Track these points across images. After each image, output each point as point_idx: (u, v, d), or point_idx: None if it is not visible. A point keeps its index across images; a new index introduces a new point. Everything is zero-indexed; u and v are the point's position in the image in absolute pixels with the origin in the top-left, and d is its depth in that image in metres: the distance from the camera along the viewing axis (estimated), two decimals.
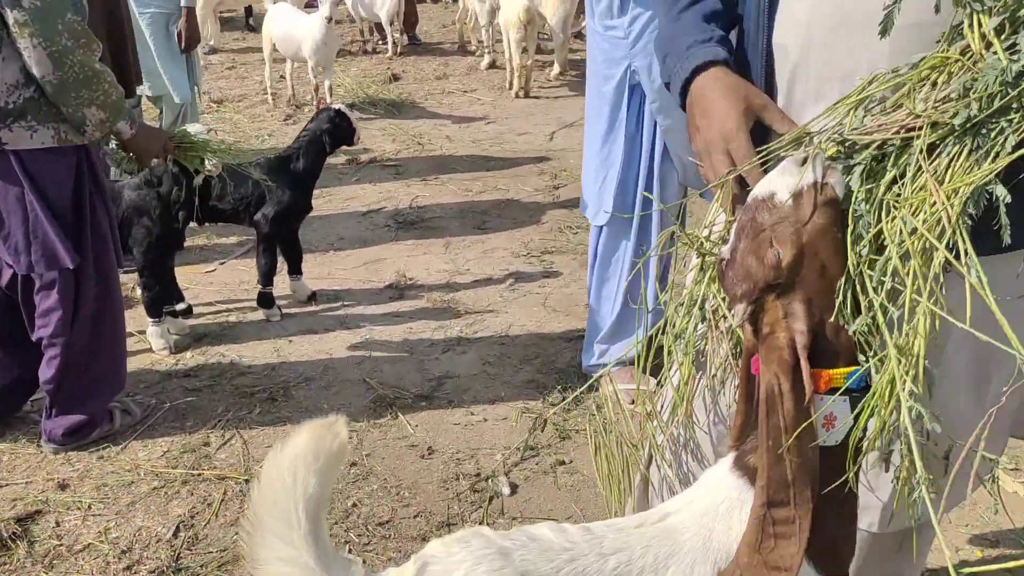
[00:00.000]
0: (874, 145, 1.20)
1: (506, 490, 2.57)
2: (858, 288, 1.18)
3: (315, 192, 5.28)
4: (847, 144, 1.23)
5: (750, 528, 1.16)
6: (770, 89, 1.41)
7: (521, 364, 3.33)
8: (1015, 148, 1.13)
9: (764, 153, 1.30)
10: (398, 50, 9.56)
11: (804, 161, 1.16)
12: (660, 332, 1.49)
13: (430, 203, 5.22)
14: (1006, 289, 1.30)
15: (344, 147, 3.86)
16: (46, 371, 2.68)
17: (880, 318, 1.15)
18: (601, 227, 3.00)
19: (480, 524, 2.43)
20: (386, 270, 4.22)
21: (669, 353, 1.51)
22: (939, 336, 1.14)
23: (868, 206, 1.19)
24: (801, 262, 1.16)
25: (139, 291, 3.44)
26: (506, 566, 1.11)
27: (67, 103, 2.38)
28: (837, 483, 1.17)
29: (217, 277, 4.18)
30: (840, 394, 1.13)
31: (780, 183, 1.16)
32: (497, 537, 1.14)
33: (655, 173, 2.83)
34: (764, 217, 1.15)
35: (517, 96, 8.01)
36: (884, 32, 1.21)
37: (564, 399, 3.04)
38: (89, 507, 2.50)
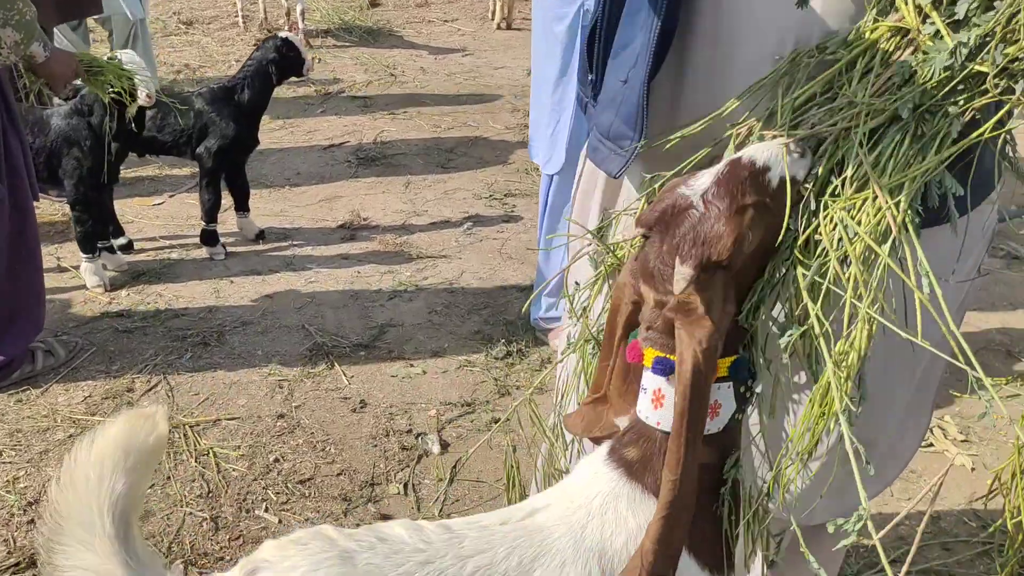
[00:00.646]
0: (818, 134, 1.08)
1: (436, 448, 2.47)
2: (768, 290, 1.09)
3: (275, 123, 5.13)
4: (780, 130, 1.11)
5: (657, 525, 1.05)
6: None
7: (469, 314, 3.21)
8: (961, 134, 1.01)
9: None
10: None
11: (802, 152, 1.06)
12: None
13: (395, 139, 5.03)
14: (946, 258, 1.21)
15: (295, 77, 3.66)
16: None
17: (816, 328, 1.05)
18: (552, 176, 2.84)
19: (405, 484, 2.34)
20: (341, 209, 4.07)
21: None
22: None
23: (802, 204, 1.07)
24: (757, 251, 1.06)
25: (72, 225, 3.28)
26: (348, 572, 1.00)
27: None
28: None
29: (164, 211, 4.02)
30: (725, 381, 1.08)
31: (774, 159, 1.04)
32: (341, 538, 1.03)
33: None
34: (750, 191, 1.03)
35: (499, 27, 7.74)
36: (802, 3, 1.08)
37: (508, 353, 2.93)
38: (1, 453, 2.40)
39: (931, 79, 1.01)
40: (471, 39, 7.50)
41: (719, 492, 1.16)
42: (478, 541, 1.11)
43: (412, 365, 2.88)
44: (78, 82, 2.74)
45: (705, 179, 1.06)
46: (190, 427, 2.52)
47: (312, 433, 2.52)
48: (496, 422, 2.60)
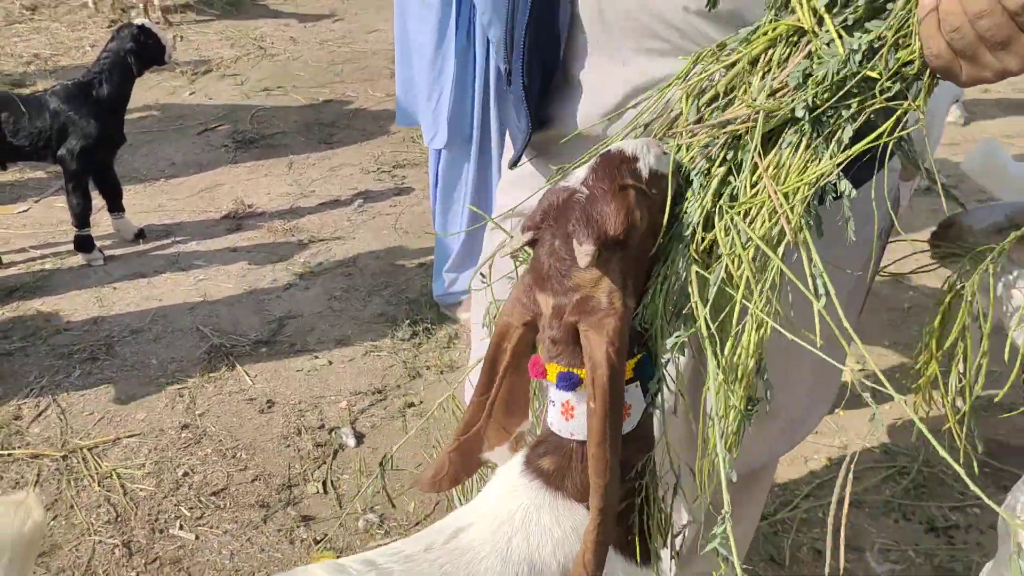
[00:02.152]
0: (716, 138, 1.06)
1: (351, 441, 2.43)
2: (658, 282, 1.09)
3: (142, 112, 4.87)
4: (684, 129, 1.09)
5: (595, 531, 1.04)
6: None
7: (369, 296, 3.15)
8: (852, 138, 1.01)
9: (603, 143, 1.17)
10: None
11: (660, 149, 1.04)
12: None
13: (272, 117, 4.85)
14: (840, 228, 1.23)
15: (157, 65, 3.46)
16: None
17: (702, 328, 1.04)
18: (440, 151, 2.79)
19: (323, 482, 2.29)
20: (223, 198, 3.91)
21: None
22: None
23: (699, 206, 1.06)
24: (644, 234, 1.04)
25: None
26: None
27: None
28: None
29: (31, 217, 3.77)
30: (632, 382, 1.06)
31: (643, 152, 1.02)
32: None
33: (491, 91, 2.61)
34: (627, 177, 1.01)
35: None
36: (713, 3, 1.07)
37: (415, 333, 2.89)
38: None
39: (824, 82, 1.01)
40: (339, 2, 7.26)
41: (636, 488, 1.16)
42: (405, 566, 1.08)
43: (317, 357, 2.81)
44: None
45: (580, 171, 1.04)
46: (88, 450, 2.40)
47: (220, 441, 2.44)
48: (410, 406, 2.57)
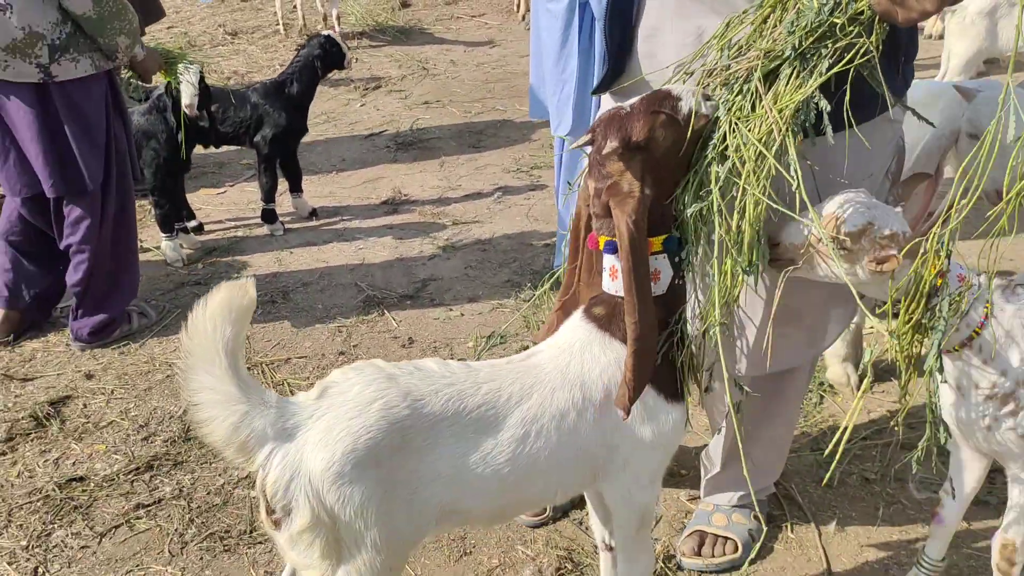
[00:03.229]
0: (734, 71, 1.48)
1: None
2: (691, 183, 1.50)
3: (321, 117, 5.60)
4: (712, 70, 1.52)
5: (631, 358, 1.46)
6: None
7: (500, 267, 3.63)
8: (828, 69, 1.41)
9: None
10: None
11: (708, 99, 1.48)
12: None
13: (430, 125, 5.48)
14: (838, 162, 1.59)
15: (337, 70, 4.12)
16: (73, 275, 3.04)
17: (715, 203, 1.46)
18: (564, 138, 3.25)
19: None
20: (383, 188, 4.52)
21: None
22: None
23: (720, 123, 1.48)
24: (669, 147, 1.47)
25: (152, 210, 3.77)
26: (392, 386, 1.42)
27: (104, 34, 2.72)
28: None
29: (227, 198, 4.51)
30: (659, 253, 1.48)
31: (687, 95, 1.46)
32: (387, 366, 1.46)
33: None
34: (665, 106, 1.45)
35: (523, 19, 8.12)
36: None
37: (534, 295, 3.35)
38: (112, 392, 2.88)
39: (805, 28, 1.41)
40: (497, 32, 7.91)
41: (670, 339, 1.56)
42: (490, 373, 1.53)
43: (451, 309, 3.31)
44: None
45: (635, 98, 1.48)
46: (266, 364, 2.98)
47: None
48: (525, 348, 3.01)
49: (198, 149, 3.96)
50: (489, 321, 3.22)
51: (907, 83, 1.68)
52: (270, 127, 3.90)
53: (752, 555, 2.08)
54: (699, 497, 2.24)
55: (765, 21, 1.49)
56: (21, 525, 2.31)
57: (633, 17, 1.69)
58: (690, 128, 1.47)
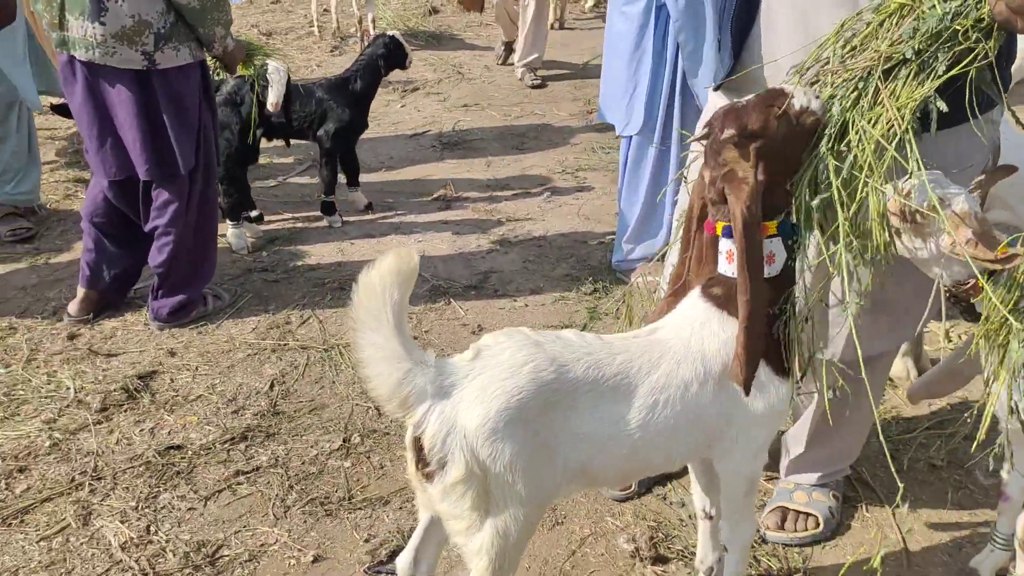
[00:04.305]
0: (852, 69, 1.61)
1: None
2: (806, 174, 1.62)
3: None
4: (831, 69, 1.64)
5: (742, 334, 1.58)
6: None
7: (557, 262, 3.76)
8: (946, 71, 1.54)
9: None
10: None
11: (817, 96, 1.60)
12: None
13: (472, 127, 5.60)
14: (948, 157, 1.71)
15: (400, 70, 4.26)
16: (157, 256, 3.15)
17: (835, 195, 1.59)
18: (630, 137, 3.38)
19: None
20: (434, 185, 4.64)
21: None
22: None
23: (838, 118, 1.60)
24: (781, 140, 1.59)
25: (221, 198, 3.88)
26: (539, 352, 1.54)
27: (204, 24, 2.85)
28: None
29: (281, 191, 4.62)
30: (774, 237, 1.60)
31: (800, 93, 1.59)
32: (532, 333, 1.58)
33: (677, 87, 3.20)
34: (778, 103, 1.58)
35: (552, 27, 8.28)
36: None
37: (595, 289, 3.47)
38: (197, 368, 2.99)
39: (927, 32, 1.54)
40: None
41: (781, 318, 1.68)
42: (622, 345, 1.66)
43: (515, 300, 3.43)
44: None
45: (750, 96, 1.61)
46: (342, 347, 3.09)
47: (442, 348, 3.08)
48: None
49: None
50: (553, 312, 3.34)
51: (1006, 87, 1.81)
52: (333, 122, 4.02)
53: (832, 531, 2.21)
54: (776, 477, 2.35)
55: (882, 24, 1.62)
56: (127, 488, 2.42)
57: (756, 13, 1.81)
58: (801, 124, 1.58)
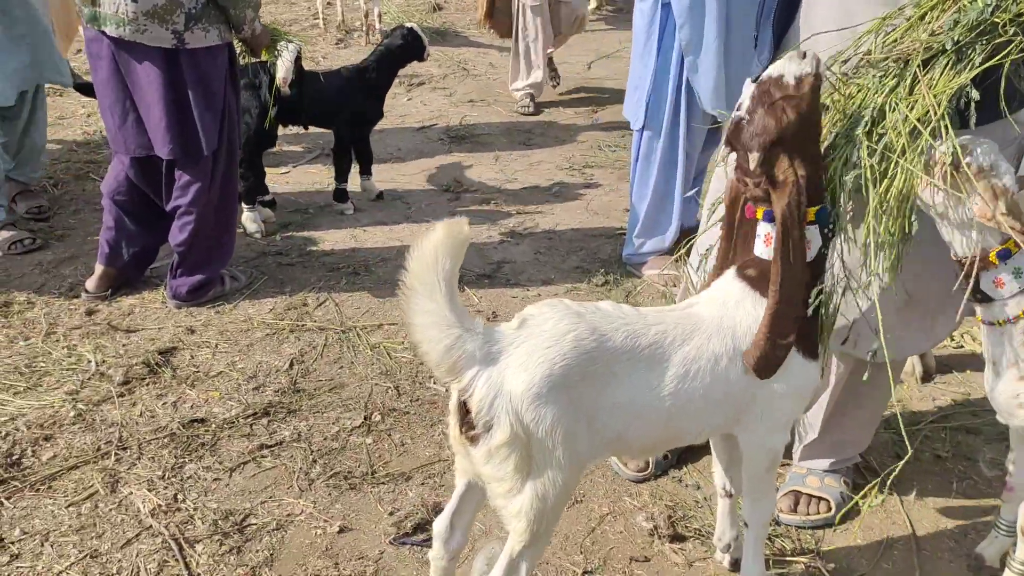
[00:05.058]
0: (891, 59, 1.68)
1: None
2: (846, 156, 1.69)
3: None
4: (872, 59, 1.71)
5: (767, 320, 1.65)
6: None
7: (568, 254, 3.82)
8: (982, 63, 1.61)
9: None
10: None
11: (803, 56, 1.64)
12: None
13: (478, 122, 5.66)
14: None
15: (417, 61, 4.33)
16: (178, 235, 3.19)
17: (867, 175, 1.65)
18: (641, 131, 3.45)
19: None
20: (443, 177, 4.70)
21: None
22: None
23: (877, 100, 1.67)
24: (800, 126, 1.65)
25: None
26: (580, 322, 1.61)
27: (236, 6, 2.90)
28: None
29: (292, 178, 4.67)
30: (812, 224, 1.66)
31: (787, 68, 1.64)
32: (574, 305, 1.64)
33: (683, 84, 3.27)
34: (775, 92, 1.64)
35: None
36: None
37: (606, 281, 3.54)
38: (216, 346, 3.03)
39: (967, 24, 1.61)
40: None
41: (812, 303, 1.75)
42: (657, 317, 1.72)
43: (528, 290, 3.49)
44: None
45: (745, 100, 1.67)
46: (360, 329, 3.14)
47: None
48: None
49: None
50: None
51: None
52: (349, 110, 4.07)
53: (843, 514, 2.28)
54: (789, 463, 2.42)
55: (923, 18, 1.69)
56: (153, 458, 2.46)
57: (796, 10, 1.89)
58: (805, 94, 1.63)
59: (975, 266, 1.70)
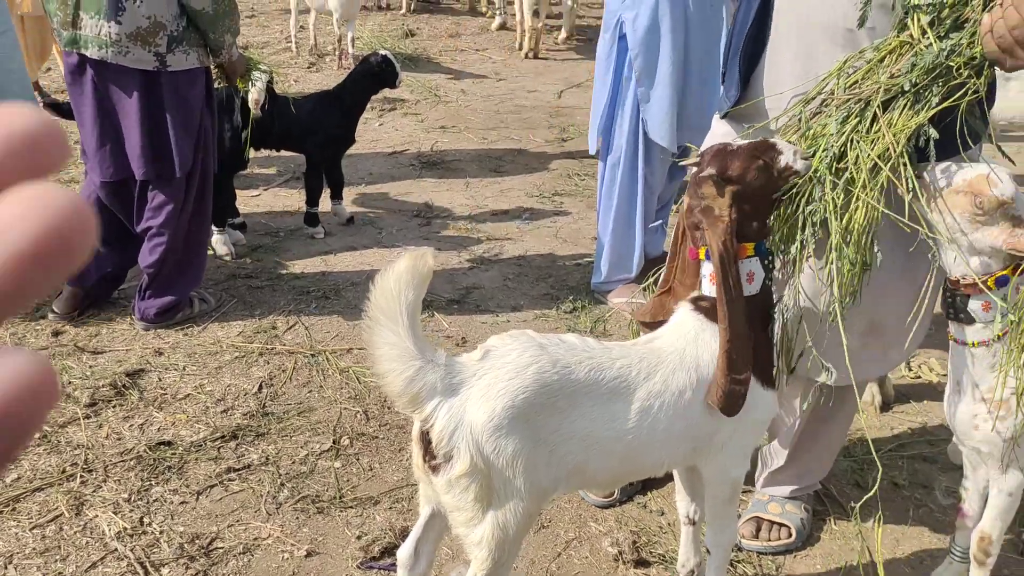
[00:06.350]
0: (852, 100, 1.76)
1: None
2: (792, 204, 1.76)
3: None
4: (833, 100, 1.78)
5: (722, 359, 1.70)
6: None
7: (537, 281, 3.87)
8: (939, 103, 1.69)
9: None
10: (411, 6, 9.97)
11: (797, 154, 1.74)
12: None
13: (449, 148, 5.72)
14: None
15: (389, 88, 4.36)
16: (148, 257, 3.19)
17: (830, 208, 1.72)
18: (605, 160, 3.52)
19: None
20: (413, 202, 4.73)
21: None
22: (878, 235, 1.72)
23: (837, 141, 1.74)
24: (758, 188, 1.73)
25: None
26: (544, 354, 1.64)
27: (215, 30, 2.92)
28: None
29: (263, 200, 4.68)
30: (752, 257, 1.74)
31: (786, 147, 1.73)
32: (537, 336, 1.68)
33: (638, 116, 3.35)
34: (766, 155, 1.72)
35: (527, 57, 8.46)
36: (861, 23, 1.77)
37: (575, 308, 3.59)
38: (184, 368, 3.03)
39: (924, 67, 1.69)
40: (502, 66, 8.21)
41: (765, 333, 1.81)
42: (621, 351, 1.77)
43: (497, 316, 3.53)
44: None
45: (743, 141, 1.75)
46: (329, 353, 3.16)
47: None
48: None
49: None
50: (535, 328, 3.42)
51: (987, 124, 1.97)
52: (322, 135, 4.10)
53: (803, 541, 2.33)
54: (751, 490, 2.47)
55: (882, 61, 1.77)
56: (119, 480, 2.45)
57: (764, 45, 1.96)
58: (781, 178, 1.73)
59: (969, 289, 1.77)
